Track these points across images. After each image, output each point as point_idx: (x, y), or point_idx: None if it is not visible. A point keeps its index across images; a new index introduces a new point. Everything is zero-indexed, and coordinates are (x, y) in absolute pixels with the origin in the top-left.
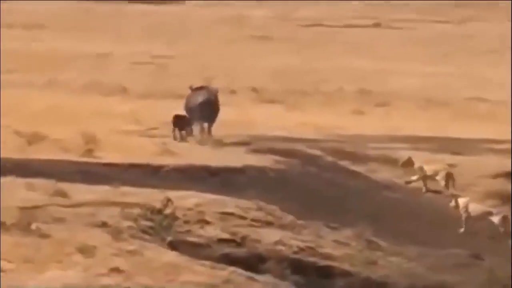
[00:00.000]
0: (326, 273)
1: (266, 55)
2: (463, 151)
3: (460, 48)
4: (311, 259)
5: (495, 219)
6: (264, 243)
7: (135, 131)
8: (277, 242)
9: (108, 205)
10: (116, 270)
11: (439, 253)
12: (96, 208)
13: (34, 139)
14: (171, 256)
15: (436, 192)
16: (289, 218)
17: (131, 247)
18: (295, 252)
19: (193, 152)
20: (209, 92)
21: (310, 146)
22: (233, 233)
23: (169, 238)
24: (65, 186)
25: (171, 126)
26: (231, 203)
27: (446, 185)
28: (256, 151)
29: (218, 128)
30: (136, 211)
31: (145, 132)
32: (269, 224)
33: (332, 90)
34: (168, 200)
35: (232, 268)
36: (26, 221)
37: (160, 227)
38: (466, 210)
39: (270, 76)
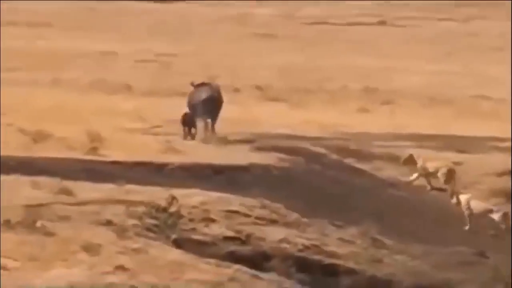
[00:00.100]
0: (331, 271)
1: (270, 53)
2: (468, 149)
3: (464, 46)
4: (316, 257)
5: (496, 216)
6: (269, 241)
7: (139, 129)
8: (282, 240)
9: (113, 203)
10: (121, 268)
11: (444, 251)
12: (101, 206)
13: (38, 137)
14: (176, 254)
15: (441, 190)
16: (293, 216)
17: (136, 245)
18: (300, 250)
19: (197, 150)
20: (212, 88)
21: (315, 144)
22: (238, 231)
23: (174, 236)
24: (70, 184)
25: (180, 125)
26: (235, 201)
27: (446, 182)
28: (260, 149)
29: (222, 126)
30: (141, 209)
31: (149, 130)
32: (273, 222)
33: (336, 88)
34: (173, 198)
35: (237, 266)
36: (31, 219)
37: (165, 225)
38: (469, 207)
39: (274, 74)
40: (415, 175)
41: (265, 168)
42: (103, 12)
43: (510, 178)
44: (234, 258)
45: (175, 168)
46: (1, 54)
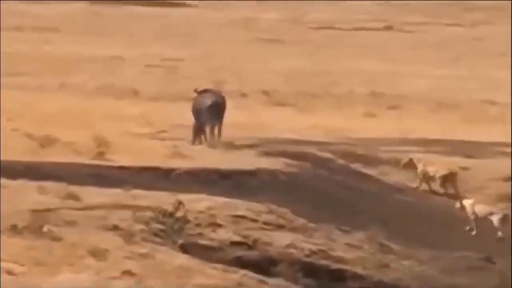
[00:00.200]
0: (338, 276)
1: (276, 58)
2: (474, 154)
3: (471, 51)
4: (323, 262)
5: (495, 218)
6: (276, 246)
7: (146, 133)
8: (288, 245)
9: (120, 208)
10: (128, 273)
11: (451, 256)
12: (107, 211)
13: (45, 142)
14: (183, 259)
15: (442, 194)
16: (300, 221)
17: (142, 250)
18: (307, 255)
19: (204, 155)
20: (216, 94)
21: (321, 149)
22: (245, 236)
23: (180, 241)
24: (76, 189)
25: (192, 133)
26: (242, 206)
27: (442, 185)
28: (267, 154)
29: (229, 131)
30: (147, 214)
31: (156, 134)
32: (280, 227)
33: (343, 93)
34: (180, 203)
35: (243, 271)
36: (38, 224)
37: (171, 230)
38: (474, 212)
39: (281, 79)
40: (417, 181)
41: (272, 173)
42: (110, 17)
43: None
44: (241, 263)
45: (182, 173)
46: (9, 59)
